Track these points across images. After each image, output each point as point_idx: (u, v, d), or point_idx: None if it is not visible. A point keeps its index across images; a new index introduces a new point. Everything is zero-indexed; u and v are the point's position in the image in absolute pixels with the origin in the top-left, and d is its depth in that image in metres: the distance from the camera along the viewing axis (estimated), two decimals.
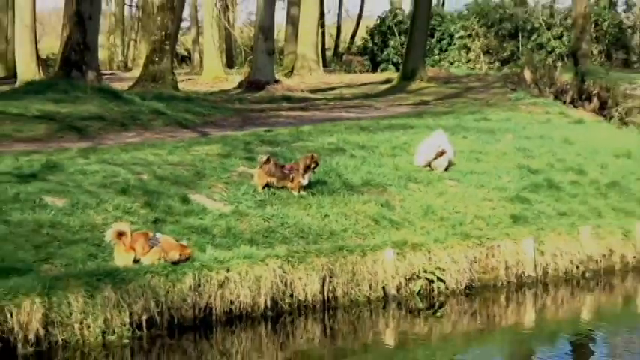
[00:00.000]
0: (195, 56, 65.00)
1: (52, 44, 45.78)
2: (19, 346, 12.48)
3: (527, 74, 39.89)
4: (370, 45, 62.31)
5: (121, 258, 13.88)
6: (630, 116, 34.38)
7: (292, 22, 58.77)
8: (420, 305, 15.50)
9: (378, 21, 63.14)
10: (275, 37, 52.13)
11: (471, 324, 15.21)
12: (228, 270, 14.16)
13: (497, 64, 53.47)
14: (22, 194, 15.82)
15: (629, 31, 61.60)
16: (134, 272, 13.57)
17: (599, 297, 16.65)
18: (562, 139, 22.94)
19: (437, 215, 17.26)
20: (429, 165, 18.84)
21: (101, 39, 46.98)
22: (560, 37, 54.30)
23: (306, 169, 17.30)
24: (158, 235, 14.36)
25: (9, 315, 12.39)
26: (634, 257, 17.69)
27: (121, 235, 13.92)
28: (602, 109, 34.28)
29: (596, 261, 17.30)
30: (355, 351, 13.99)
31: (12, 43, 52.11)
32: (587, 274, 17.14)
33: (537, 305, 16.11)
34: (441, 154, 18.72)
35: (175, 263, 13.81)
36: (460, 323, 15.19)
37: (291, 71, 53.06)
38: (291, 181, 17.19)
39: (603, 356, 14.48)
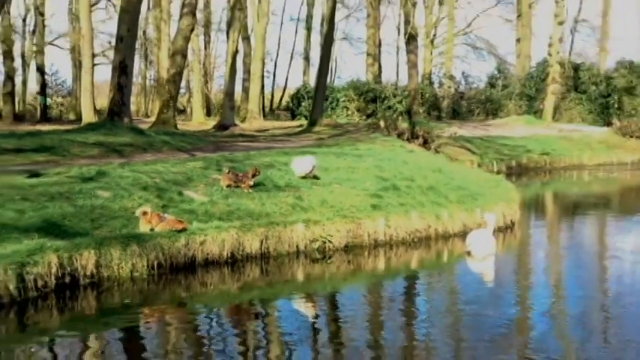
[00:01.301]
0: (188, 109, 64.73)
1: (103, 101, 45.39)
2: (80, 279, 12.41)
3: (381, 123, 40.11)
4: (291, 104, 62.37)
5: (143, 227, 13.89)
6: (440, 148, 34.83)
7: (245, 90, 58.86)
8: (318, 256, 15.55)
9: (295, 91, 63.21)
10: (235, 98, 51.98)
11: (348, 267, 15.28)
12: (205, 235, 14.16)
13: (364, 117, 53.68)
14: (83, 189, 15.67)
15: (441, 99, 62.18)
16: (150, 236, 13.55)
17: (421, 253, 16.77)
18: (401, 161, 23.10)
19: (328, 204, 17.31)
20: (305, 176, 18.83)
21: (132, 98, 46.65)
22: (400, 102, 54.68)
23: (253, 176, 17.30)
24: (166, 214, 14.37)
25: (75, 260, 12.31)
26: (442, 230, 17.86)
27: (144, 213, 13.94)
28: (425, 144, 34.61)
29: (420, 232, 17.45)
30: (279, 282, 14.01)
31: (79, 101, 51.63)
32: (415, 240, 17.28)
33: (385, 257, 16.20)
34: (312, 168, 18.77)
35: (178, 231, 13.88)
36: (341, 267, 15.24)
37: (244, 119, 53.00)
38: (244, 183, 17.16)
39: (422, 282, 14.73)
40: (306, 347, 10.09)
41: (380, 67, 66.50)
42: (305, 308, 12.44)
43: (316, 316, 11.89)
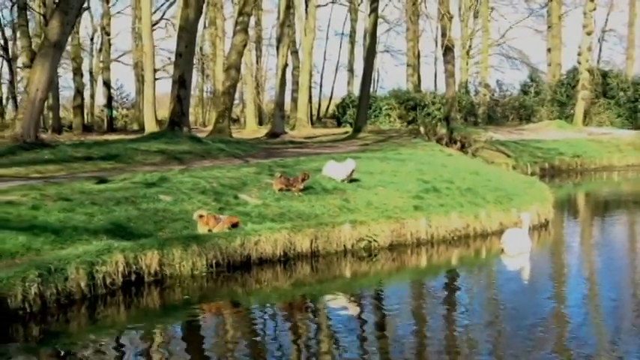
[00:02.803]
0: (242, 119, 65.00)
1: (164, 112, 45.76)
2: (145, 277, 12.46)
3: (421, 129, 39.99)
4: (337, 113, 62.29)
5: (201, 229, 13.91)
6: (477, 152, 34.50)
7: (294, 100, 59.15)
8: (364, 255, 15.45)
9: (341, 100, 63.16)
10: (285, 108, 52.03)
11: (392, 265, 15.18)
12: (259, 235, 14.14)
13: (405, 124, 53.42)
14: (147, 193, 15.77)
15: (477, 106, 61.66)
16: (208, 236, 13.55)
17: (461, 250, 16.60)
18: (441, 164, 22.95)
19: (373, 205, 17.23)
20: (344, 180, 18.73)
21: (190, 109, 46.94)
22: (439, 109, 54.28)
23: (303, 180, 17.29)
24: (222, 216, 14.38)
25: (140, 260, 12.36)
26: (480, 228, 17.67)
27: (201, 216, 13.97)
28: (463, 148, 34.37)
29: (459, 231, 17.27)
30: (328, 279, 13.95)
31: (142, 112, 52.12)
32: (454, 238, 17.11)
33: (427, 255, 16.06)
34: (351, 172, 18.66)
35: (234, 226, 13.94)
36: (386, 264, 15.14)
37: (294, 127, 53.04)
38: (294, 186, 17.15)
39: (462, 278, 14.59)
40: (354, 341, 10.01)
41: (419, 76, 66.22)
42: (353, 303, 12.37)
43: (363, 311, 11.83)
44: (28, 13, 54.31)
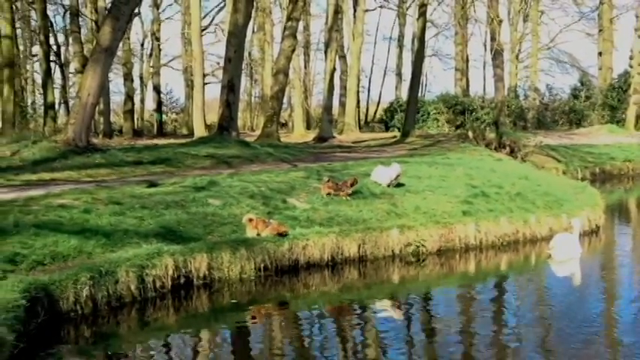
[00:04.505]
0: (290, 123, 65.14)
1: (212, 117, 46.10)
2: (195, 280, 12.54)
3: (470, 133, 39.61)
4: (384, 117, 62.06)
5: (250, 233, 13.93)
6: (526, 156, 34.13)
7: (342, 104, 59.09)
8: (412, 260, 15.38)
9: (389, 104, 62.91)
10: (332, 112, 52.04)
11: (440, 270, 15.10)
12: (307, 239, 14.17)
13: (453, 128, 53.06)
14: (196, 198, 15.86)
15: (526, 110, 61.02)
16: (257, 240, 13.61)
17: (510, 256, 16.45)
18: (490, 169, 22.73)
19: (421, 210, 17.13)
20: (389, 185, 18.63)
21: (239, 114, 47.19)
22: (488, 114, 53.79)
23: (351, 185, 17.26)
24: (271, 220, 14.41)
25: (189, 263, 12.45)
26: (529, 234, 17.49)
27: (249, 220, 14.01)
28: (512, 153, 33.98)
29: (509, 236, 17.11)
30: (376, 284, 13.92)
31: (191, 117, 52.55)
32: (503, 244, 16.95)
33: (476, 260, 15.94)
34: (397, 177, 18.54)
35: (281, 235, 13.88)
36: (434, 270, 15.07)
37: (341, 131, 53.01)
38: (342, 191, 17.13)
39: (511, 283, 14.47)
40: (402, 346, 9.97)
41: (468, 80, 65.87)
42: (401, 308, 12.32)
43: (411, 316, 11.77)
44: (80, 19, 55.10)
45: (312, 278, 13.79)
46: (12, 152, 24.71)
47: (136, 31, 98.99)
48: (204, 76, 51.50)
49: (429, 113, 55.93)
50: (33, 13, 54.50)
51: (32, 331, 9.23)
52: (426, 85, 76.07)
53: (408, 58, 68.80)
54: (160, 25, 66.00)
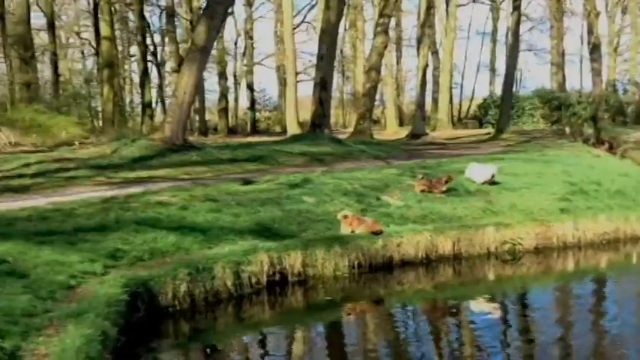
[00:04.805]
0: (382, 120, 64.92)
1: (305, 114, 46.37)
2: (289, 277, 12.62)
3: (567, 129, 38.85)
4: (478, 113, 61.32)
5: (344, 230, 13.95)
6: (626, 153, 33.19)
7: (435, 101, 58.84)
8: (508, 258, 15.14)
9: (482, 100, 62.13)
10: (425, 109, 51.65)
11: (537, 268, 14.84)
12: (401, 237, 14.10)
13: (549, 124, 51.92)
14: (290, 195, 15.99)
15: (625, 105, 59.32)
16: (351, 237, 13.61)
17: (610, 255, 16.05)
18: (588, 166, 22.17)
19: (518, 208, 16.87)
20: (484, 182, 18.33)
21: (331, 111, 47.27)
22: (585, 109, 52.32)
23: (446, 182, 17.12)
24: (365, 218, 14.40)
25: (284, 260, 12.53)
26: (630, 232, 17.02)
27: (344, 217, 14.02)
28: (611, 149, 33.06)
29: (608, 234, 16.69)
30: (471, 282, 13.78)
31: (284, 114, 52.98)
32: (603, 242, 16.54)
33: (574, 259, 15.62)
34: (492, 175, 18.21)
35: (375, 234, 13.84)
36: (531, 268, 14.82)
37: (434, 128, 52.66)
38: (437, 188, 17.01)
39: (612, 283, 14.12)
40: (497, 345, 9.83)
41: (564, 75, 64.34)
42: (496, 307, 12.16)
43: (507, 315, 11.62)
44: (175, 19, 56.24)
45: (406, 276, 13.72)
46: (112, 150, 25.37)
47: (230, 30, 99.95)
48: (297, 74, 51.82)
49: (523, 109, 54.97)
50: (131, 15, 55.73)
51: (133, 325, 9.43)
52: (520, 80, 74.64)
53: (501, 52, 67.58)
54: (252, 23, 66.69)
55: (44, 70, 56.18)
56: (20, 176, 20.10)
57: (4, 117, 30.71)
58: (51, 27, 47.85)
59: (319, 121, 34.63)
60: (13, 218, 13.14)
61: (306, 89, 60.26)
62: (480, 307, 12.17)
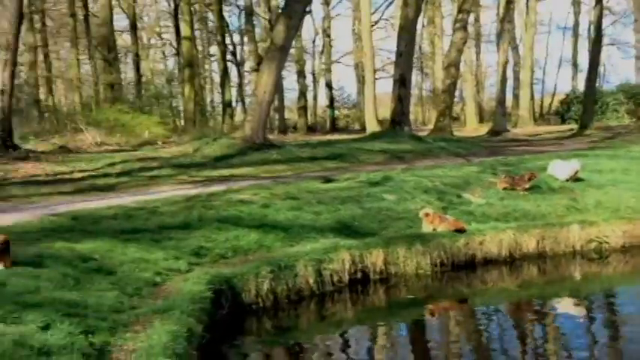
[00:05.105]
0: (462, 117, 64.36)
1: (384, 112, 46.28)
2: (371, 275, 12.57)
3: None
4: (560, 109, 60.25)
5: (426, 228, 13.83)
6: None
7: (515, 97, 58.22)
8: (594, 256, 14.77)
9: (564, 96, 61.04)
10: (506, 105, 50.99)
11: (625, 268, 14.45)
12: (484, 235, 13.90)
13: (634, 119, 50.73)
14: (371, 193, 15.96)
15: None
16: (432, 236, 13.48)
17: None
18: None
19: (603, 205, 16.45)
20: (569, 179, 17.88)
21: (410, 108, 46.96)
22: None
23: (529, 179, 16.84)
24: (447, 216, 14.26)
25: (365, 258, 12.49)
26: None
27: (426, 215, 13.90)
28: None
29: None
30: (557, 281, 13.51)
31: (363, 112, 52.90)
32: None
33: None
34: (576, 172, 17.75)
35: (458, 231, 13.68)
36: (619, 267, 14.44)
37: (515, 124, 52.00)
38: (519, 185, 16.75)
39: None
40: (583, 347, 9.57)
41: None
42: (582, 307, 11.90)
43: (594, 315, 11.34)
44: (254, 19, 56.72)
45: (489, 274, 13.52)
46: (194, 149, 25.78)
47: (308, 28, 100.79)
48: (375, 71, 51.73)
49: (607, 104, 53.71)
50: (210, 15, 56.46)
51: (217, 322, 9.51)
52: (603, 75, 72.93)
53: (584, 47, 66.20)
54: (330, 21, 66.81)
55: (127, 71, 57.54)
56: (106, 175, 20.59)
57: (90, 117, 31.49)
58: (133, 28, 48.93)
59: (399, 119, 34.53)
60: (99, 217, 13.45)
61: (384, 86, 60.14)
62: (566, 306, 11.91)
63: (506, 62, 49.56)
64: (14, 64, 23.11)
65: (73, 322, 7.20)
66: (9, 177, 19.64)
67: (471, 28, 55.08)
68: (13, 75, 22.93)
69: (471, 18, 54.15)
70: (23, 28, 29.97)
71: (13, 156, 21.77)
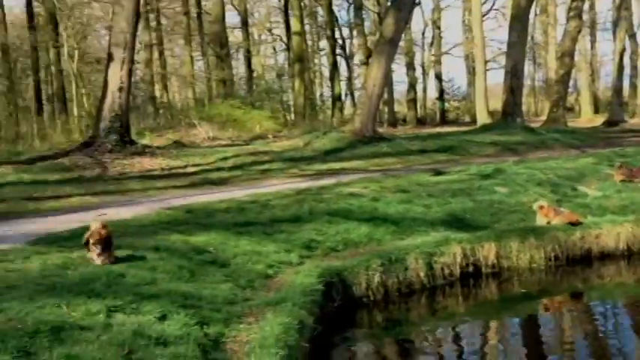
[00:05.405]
0: (576, 107, 62.74)
1: (495, 103, 45.68)
2: (483, 268, 12.41)
3: None
4: None
5: (540, 220, 13.55)
6: None
7: (633, 86, 55.93)
8: None
9: None
10: (623, 94, 49.37)
11: None
12: (600, 228, 13.51)
13: None
14: (482, 185, 15.79)
15: None
16: (547, 229, 13.20)
17: None
18: None
19: None
20: None
21: (523, 99, 45.96)
22: None
23: None
24: (561, 208, 13.94)
25: (477, 251, 12.34)
26: None
27: (540, 207, 13.62)
28: None
29: None
30: None
31: (474, 104, 52.38)
32: None
33: None
34: None
35: (573, 224, 13.33)
36: None
37: (633, 115, 50.33)
38: (638, 177, 16.23)
39: None
40: None
41: None
42: None
43: None
44: (363, 12, 56.73)
45: (606, 269, 13.13)
46: (304, 143, 26.00)
47: (417, 20, 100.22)
48: (486, 62, 51.01)
49: None
50: (319, 9, 56.85)
51: (328, 314, 9.57)
52: None
53: None
54: (440, 13, 66.10)
55: (238, 67, 58.47)
56: (219, 169, 21.01)
57: (203, 113, 32.16)
58: (244, 25, 49.66)
59: (511, 110, 33.99)
60: (212, 210, 13.73)
61: (495, 77, 59.41)
62: None
63: (624, 50, 48.11)
64: (131, 62, 23.77)
65: (189, 313, 7.37)
66: (126, 171, 20.30)
67: (585, 16, 53.54)
68: (130, 73, 23.66)
69: (586, 5, 52.60)
70: (140, 26, 30.85)
71: (130, 151, 22.44)
